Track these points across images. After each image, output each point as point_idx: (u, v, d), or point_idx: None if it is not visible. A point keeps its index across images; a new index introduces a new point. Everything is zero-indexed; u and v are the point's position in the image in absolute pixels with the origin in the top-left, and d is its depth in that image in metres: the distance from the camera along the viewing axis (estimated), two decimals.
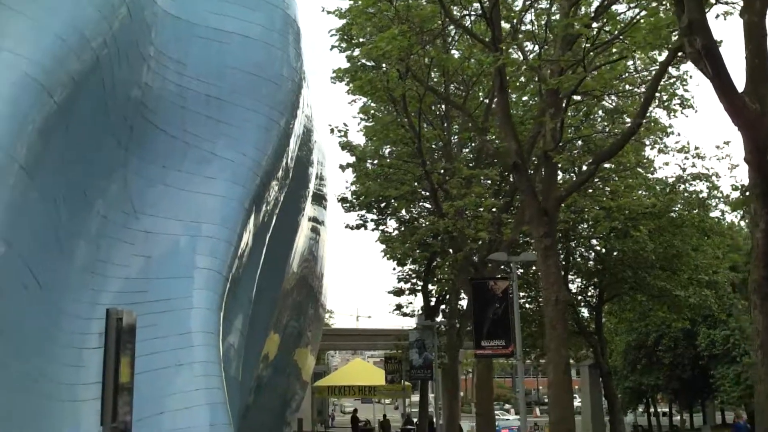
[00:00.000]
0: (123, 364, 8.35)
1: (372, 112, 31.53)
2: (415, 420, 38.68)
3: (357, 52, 25.95)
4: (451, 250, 29.33)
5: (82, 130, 13.78)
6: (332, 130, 30.06)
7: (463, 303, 34.57)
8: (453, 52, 27.29)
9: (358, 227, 34.35)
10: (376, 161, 32.31)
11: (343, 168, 32.51)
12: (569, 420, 19.30)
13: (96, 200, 14.50)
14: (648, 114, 26.23)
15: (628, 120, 29.25)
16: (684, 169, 33.73)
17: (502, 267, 29.54)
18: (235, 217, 16.40)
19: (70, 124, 13.35)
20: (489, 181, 30.91)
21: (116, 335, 8.35)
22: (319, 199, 28.25)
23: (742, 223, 39.88)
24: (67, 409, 12.31)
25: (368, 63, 25.85)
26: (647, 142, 32.54)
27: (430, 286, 36.29)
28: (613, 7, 21.45)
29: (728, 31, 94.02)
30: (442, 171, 27.75)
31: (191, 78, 17.25)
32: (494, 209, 26.52)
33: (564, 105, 21.86)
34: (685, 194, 34.46)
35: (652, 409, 71.04)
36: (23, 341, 11.44)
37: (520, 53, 23.75)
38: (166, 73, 16.95)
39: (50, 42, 12.73)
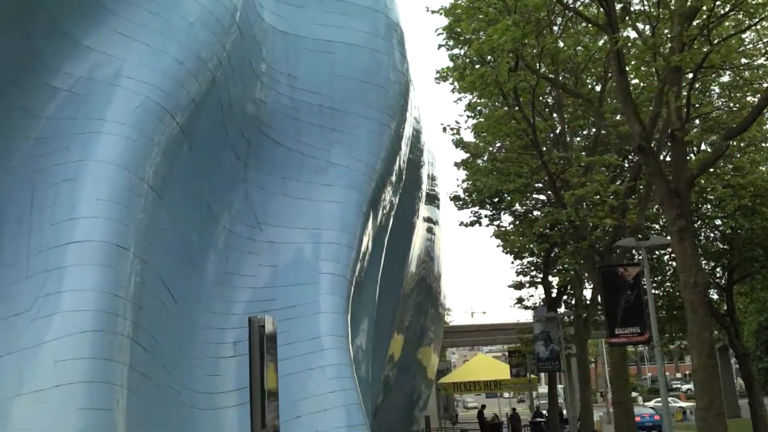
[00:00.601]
0: (268, 371, 8.57)
1: (479, 108, 31.37)
2: (544, 412, 38.18)
3: (464, 50, 25.88)
4: (571, 241, 28.78)
5: (203, 149, 14.34)
6: (444, 129, 30.10)
7: (587, 293, 33.89)
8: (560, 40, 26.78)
9: (472, 224, 34.23)
10: (486, 157, 32.11)
11: (458, 166, 32.47)
12: (718, 405, 18.51)
13: (221, 214, 15.06)
14: None
15: (749, 94, 27.93)
16: None
17: (628, 254, 28.77)
18: (354, 222, 16.65)
19: (192, 143, 13.91)
20: (603, 168, 30.16)
21: (259, 342, 8.57)
22: (432, 200, 28.29)
23: None
24: (209, 417, 12.79)
25: (475, 59, 25.71)
26: None
27: (550, 278, 35.73)
28: None
29: None
30: (559, 160, 27.28)
31: (302, 90, 17.65)
32: (617, 195, 25.84)
33: (688, 82, 21.10)
34: None
35: None
36: (164, 354, 11.97)
37: (636, 34, 23.07)
38: (278, 87, 17.42)
39: (168, 66, 13.29)
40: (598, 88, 29.00)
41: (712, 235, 37.21)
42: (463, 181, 33.55)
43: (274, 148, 16.77)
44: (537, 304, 36.82)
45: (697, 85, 27.01)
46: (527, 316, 38.57)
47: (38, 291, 10.33)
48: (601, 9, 20.93)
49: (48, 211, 10.98)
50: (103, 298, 10.37)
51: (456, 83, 27.93)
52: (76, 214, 10.86)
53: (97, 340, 10.06)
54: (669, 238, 21.55)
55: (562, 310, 34.97)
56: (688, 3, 19.14)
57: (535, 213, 33.69)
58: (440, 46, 26.76)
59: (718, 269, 38.83)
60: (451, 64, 27.94)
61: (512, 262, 35.74)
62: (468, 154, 31.70)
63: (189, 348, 13.13)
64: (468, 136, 32.00)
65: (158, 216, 12.44)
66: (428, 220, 27.31)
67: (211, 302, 14.11)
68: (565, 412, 38.68)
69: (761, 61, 25.30)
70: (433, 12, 25.90)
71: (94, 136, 11.76)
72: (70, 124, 11.84)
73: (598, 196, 25.74)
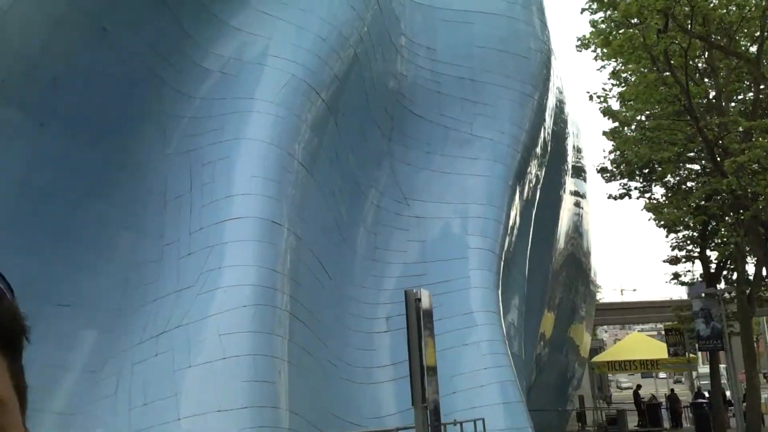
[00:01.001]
0: (427, 346, 8.40)
1: (625, 75, 30.08)
2: (706, 393, 36.38)
3: (609, 12, 24.81)
4: (731, 212, 27.11)
5: (349, 125, 14.36)
6: (591, 97, 29.05)
7: (750, 267, 31.93)
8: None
9: (621, 197, 32.94)
10: (634, 126, 30.77)
11: (607, 135, 31.30)
12: None
13: (368, 190, 15.07)
14: None
15: None
16: None
17: None
18: (500, 196, 16.28)
19: (338, 119, 13.95)
20: (765, 133, 28.23)
21: (416, 315, 8.42)
22: (579, 172, 27.45)
23: None
24: (366, 391, 12.81)
25: (622, 22, 24.60)
26: None
27: (708, 252, 33.87)
28: None
29: None
30: (715, 127, 25.71)
31: (442, 62, 17.42)
32: None
33: None
34: None
35: None
36: (321, 329, 12.06)
37: None
38: (418, 60, 17.26)
39: (312, 43, 13.35)
40: (752, 49, 27.14)
41: None
42: (611, 152, 32.30)
43: (417, 122, 16.63)
44: (695, 280, 35.03)
45: None
46: (680, 293, 36.79)
47: (201, 267, 10.59)
48: None
49: (206, 190, 11.24)
50: (262, 273, 10.52)
51: (599, 50, 26.84)
52: (233, 192, 11.07)
53: (258, 314, 10.21)
54: None
55: (722, 286, 33.11)
56: None
57: (689, 184, 31.99)
58: (583, 9, 25.74)
59: None
60: (592, 30, 26.88)
61: (666, 236, 34.12)
62: (616, 123, 30.46)
63: (344, 323, 13.20)
64: (614, 105, 30.68)
65: (309, 192, 12.53)
66: (575, 193, 26.50)
67: (363, 277, 14.14)
68: (728, 393, 36.68)
69: None
70: None
71: (245, 115, 11.95)
72: (221, 104, 12.08)
73: (759, 164, 24.08)
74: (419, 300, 8.50)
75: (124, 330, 11.15)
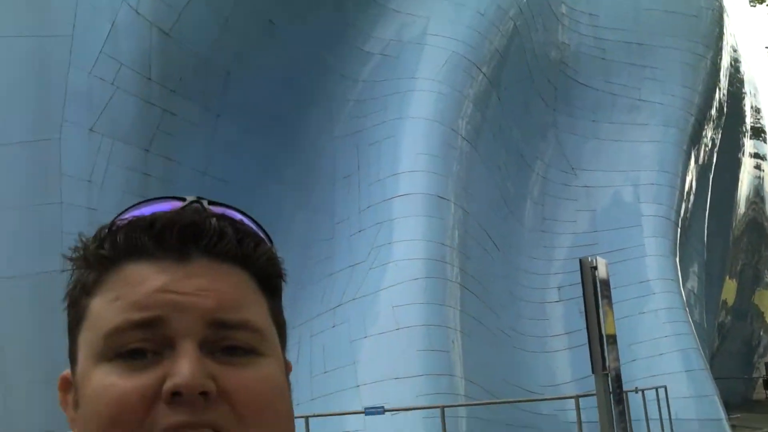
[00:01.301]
0: (606, 315, 8.27)
1: None
2: None
3: None
4: None
5: (511, 98, 14.29)
6: None
7: None
8: None
9: None
10: None
11: None
12: None
13: (534, 162, 14.95)
14: None
15: None
16: None
17: None
18: (674, 161, 15.67)
19: (501, 93, 13.92)
20: None
21: (593, 283, 8.30)
22: (758, 133, 25.83)
23: None
24: (540, 359, 12.79)
25: None
26: None
27: None
28: None
29: None
30: None
31: (606, 28, 16.92)
32: None
33: None
34: None
35: None
36: (492, 300, 12.16)
37: None
38: (580, 28, 16.85)
39: (471, 19, 13.38)
40: None
41: None
42: None
43: (582, 90, 16.28)
44: None
45: None
46: None
47: (371, 243, 10.97)
48: None
49: (373, 169, 11.59)
50: (431, 247, 10.77)
51: None
52: (399, 170, 11.36)
53: (430, 287, 10.45)
54: None
55: None
56: None
57: None
58: None
59: None
60: None
61: None
62: None
63: (514, 294, 13.22)
64: None
65: (474, 167, 12.63)
66: (755, 156, 24.97)
67: (532, 249, 14.09)
68: None
69: None
70: None
71: (407, 95, 12.20)
72: (384, 85, 12.39)
73: None
74: (595, 268, 8.36)
75: (304, 303, 11.72)
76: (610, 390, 8.09)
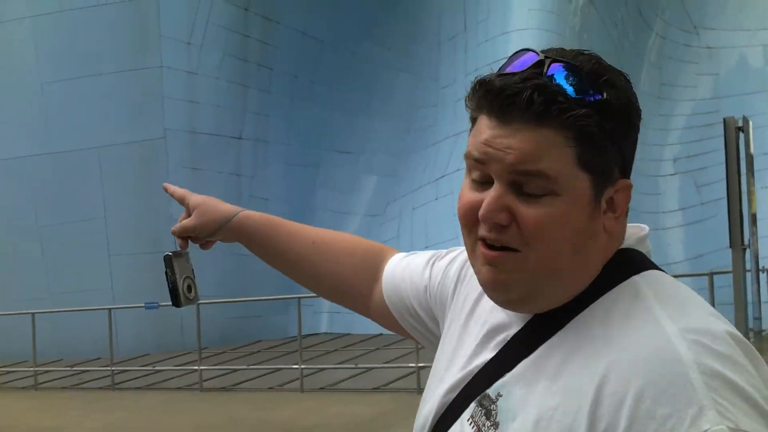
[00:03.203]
0: (748, 184, 7.50)
1: None
2: None
3: None
4: None
5: None
6: None
7: None
8: None
9: None
10: None
11: None
12: None
13: (653, 20, 13.74)
14: None
15: None
16: None
17: None
18: None
19: None
20: None
21: (736, 147, 7.48)
22: None
23: None
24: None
25: None
26: None
27: None
28: None
29: None
30: None
31: None
32: None
33: None
34: None
35: None
36: None
37: None
38: None
39: None
40: None
41: None
42: None
43: None
44: None
45: None
46: None
47: None
48: None
49: (481, 28, 10.77)
50: None
51: None
52: (509, 28, 10.51)
53: None
54: None
55: None
56: None
57: None
58: None
59: None
60: None
61: None
62: None
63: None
64: None
65: (591, 23, 11.65)
66: None
67: (647, 117, 13.09)
68: None
69: None
70: None
71: None
72: None
73: None
74: (741, 129, 7.48)
75: (404, 174, 11.28)
76: (748, 267, 7.45)
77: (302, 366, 9.69)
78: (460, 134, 10.47)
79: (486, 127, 0.94)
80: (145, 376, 11.47)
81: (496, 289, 0.98)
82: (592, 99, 0.91)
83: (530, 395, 0.95)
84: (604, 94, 0.91)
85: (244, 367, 11.30)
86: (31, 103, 13.49)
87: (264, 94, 13.49)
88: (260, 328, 13.58)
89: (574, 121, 0.90)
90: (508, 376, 0.99)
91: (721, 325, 0.89)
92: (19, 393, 11.44)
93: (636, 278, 0.96)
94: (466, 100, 0.97)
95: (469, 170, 0.97)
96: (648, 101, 13.41)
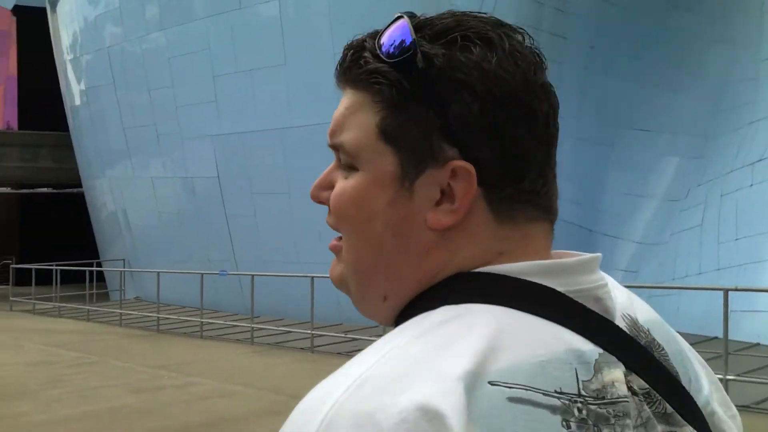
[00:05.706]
0: None
1: None
2: None
3: None
4: None
5: None
6: None
7: None
8: None
9: None
10: None
11: None
12: None
13: None
14: None
15: None
16: None
17: None
18: None
19: None
20: None
21: None
22: None
23: None
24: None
25: None
26: None
27: None
28: None
29: None
30: None
31: None
32: None
33: None
34: None
35: None
36: None
37: None
38: None
39: None
40: None
41: None
42: None
43: None
44: None
45: None
46: None
47: None
48: None
49: None
50: None
51: None
52: None
53: None
54: None
55: None
56: None
57: None
58: None
59: None
60: None
61: None
62: None
63: None
64: None
65: None
66: None
67: None
68: None
69: None
70: None
71: None
72: None
73: None
74: None
75: (712, 156, 10.14)
76: None
77: None
78: None
79: None
80: None
81: (338, 287, 0.88)
82: (397, 53, 0.77)
83: None
84: (421, 51, 0.75)
85: None
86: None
87: (555, 65, 12.85)
88: None
89: (367, 78, 0.79)
90: None
91: (422, 398, 0.63)
92: (298, 354, 12.22)
93: (438, 311, 0.72)
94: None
95: None
96: None
